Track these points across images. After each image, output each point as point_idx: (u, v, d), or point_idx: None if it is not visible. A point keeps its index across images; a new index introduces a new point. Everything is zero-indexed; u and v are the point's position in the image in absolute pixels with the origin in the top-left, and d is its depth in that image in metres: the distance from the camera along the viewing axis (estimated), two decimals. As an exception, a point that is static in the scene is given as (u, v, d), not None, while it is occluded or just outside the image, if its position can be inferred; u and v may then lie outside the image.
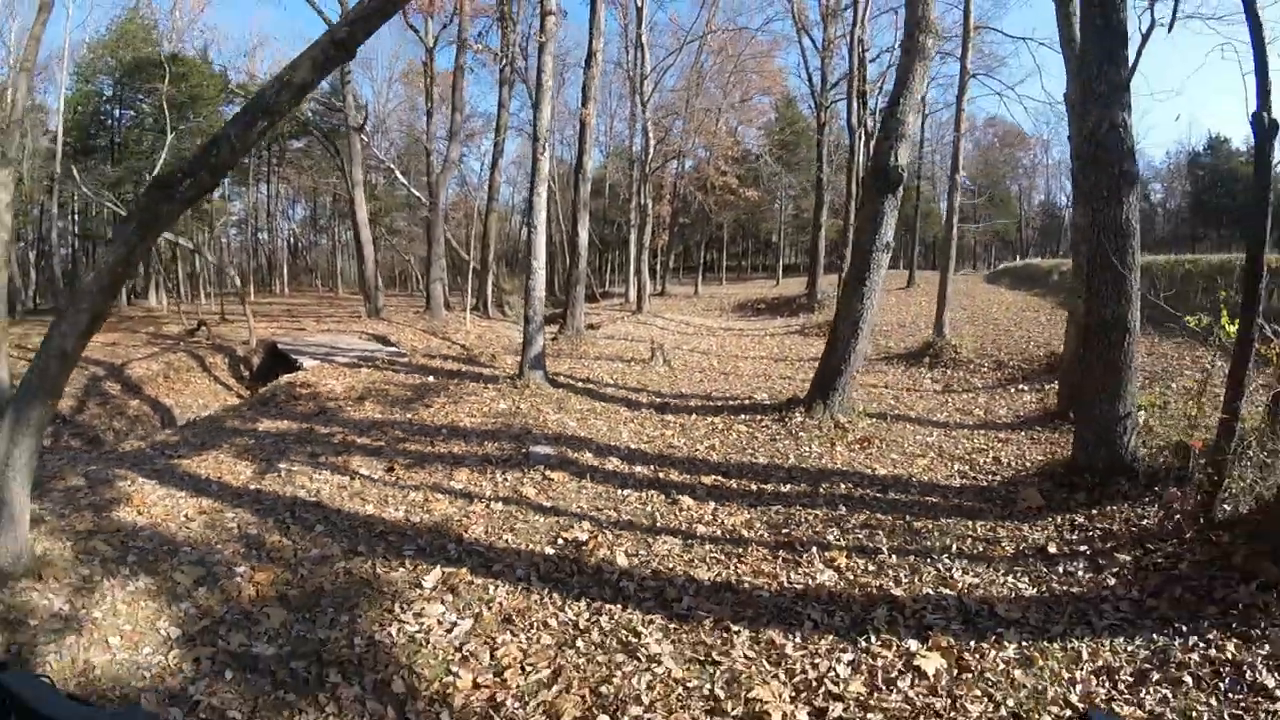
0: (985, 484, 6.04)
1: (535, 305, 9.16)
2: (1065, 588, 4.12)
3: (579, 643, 3.51)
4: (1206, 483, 4.62)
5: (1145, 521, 4.91)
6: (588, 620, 3.77)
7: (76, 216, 33.76)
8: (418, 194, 21.57)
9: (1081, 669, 3.21)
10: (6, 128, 12.53)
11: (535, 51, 11.18)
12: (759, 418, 8.03)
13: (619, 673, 3.21)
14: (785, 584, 4.14)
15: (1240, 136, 42.89)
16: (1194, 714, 2.84)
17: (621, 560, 4.43)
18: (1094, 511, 5.16)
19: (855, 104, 21.08)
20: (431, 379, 10.04)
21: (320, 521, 5.02)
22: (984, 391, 10.51)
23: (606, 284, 40.59)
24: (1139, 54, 7.76)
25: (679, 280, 42.31)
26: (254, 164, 36.84)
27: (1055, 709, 2.96)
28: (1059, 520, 5.11)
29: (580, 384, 10.04)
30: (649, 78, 22.31)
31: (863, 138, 21.29)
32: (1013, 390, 10.26)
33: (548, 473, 6.02)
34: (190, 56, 30.77)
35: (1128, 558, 4.44)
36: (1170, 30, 8.70)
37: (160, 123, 30.20)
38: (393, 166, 22.44)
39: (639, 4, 21.27)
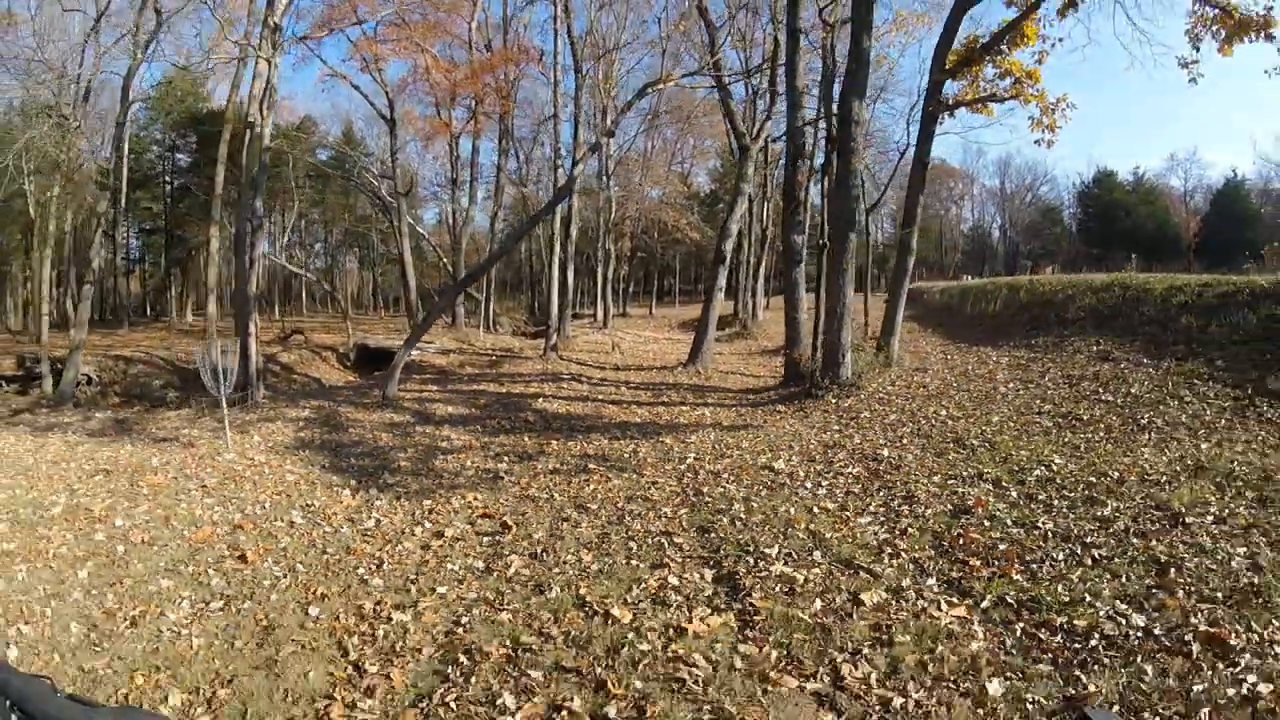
0: (750, 388, 14.84)
1: (553, 319, 18.08)
2: (750, 407, 12.89)
3: (587, 406, 12.30)
4: (810, 373, 13.44)
5: (795, 391, 13.68)
6: (589, 403, 12.57)
7: (119, 249, 41.62)
8: (439, 251, 30.37)
9: (729, 408, 11.96)
10: (241, 198, 20.93)
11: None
12: (662, 370, 16.96)
13: (601, 411, 12.03)
14: (655, 400, 13.01)
15: (1126, 168, 53.58)
16: (759, 424, 11.51)
17: (602, 397, 13.27)
18: (780, 392, 13.93)
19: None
20: (494, 358, 18.78)
21: (491, 396, 13.70)
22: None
23: (577, 306, 49.39)
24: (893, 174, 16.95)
25: (638, 303, 51.41)
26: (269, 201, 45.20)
27: (734, 435, 11.70)
28: (764, 393, 13.89)
29: (574, 361, 18.81)
30: (612, 157, 31.31)
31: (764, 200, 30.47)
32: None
33: (571, 383, 14.83)
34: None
35: (776, 399, 13.22)
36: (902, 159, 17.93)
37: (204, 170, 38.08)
38: (423, 233, 31.13)
39: (604, 105, 30.26)
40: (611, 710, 3.32)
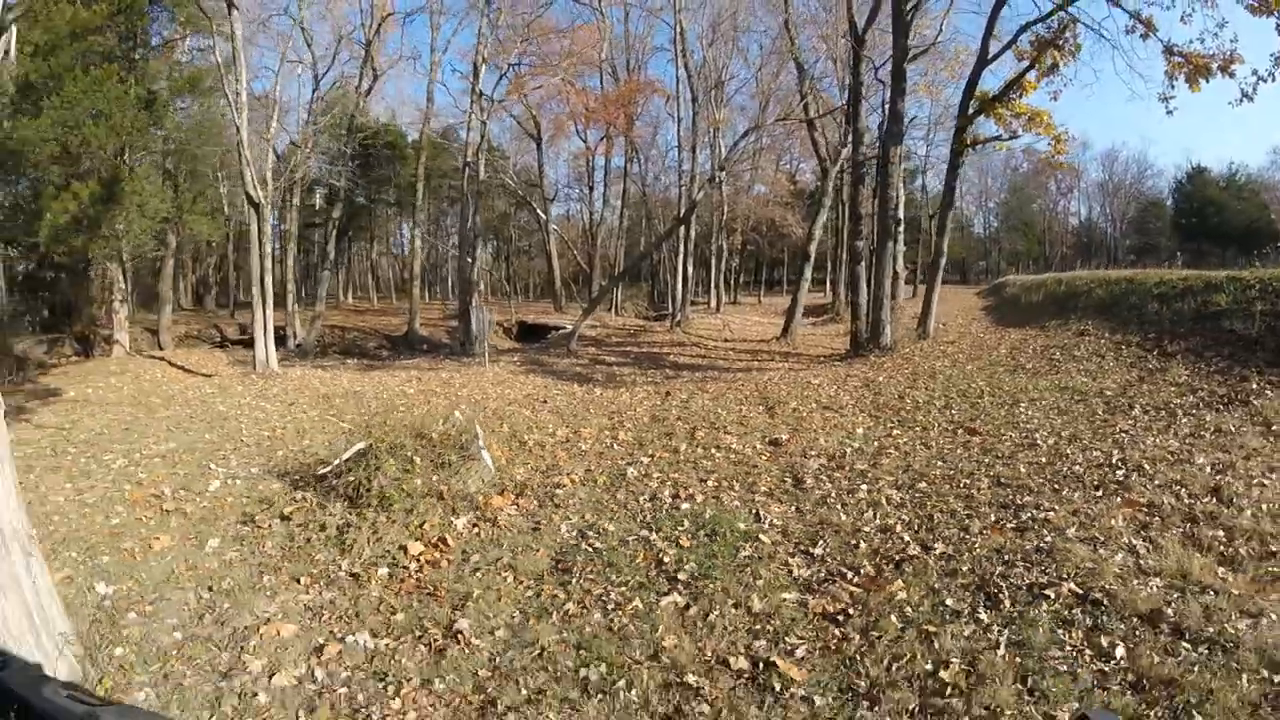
0: (823, 354, 20.71)
1: (676, 303, 24.47)
2: (816, 364, 18.82)
3: (704, 361, 18.66)
4: (868, 343, 19.21)
5: (850, 355, 19.48)
6: (705, 359, 18.92)
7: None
8: (571, 245, 37.54)
9: (802, 363, 17.95)
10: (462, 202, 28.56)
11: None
12: (760, 342, 23.09)
13: (714, 363, 18.36)
14: (751, 359, 19.21)
15: (1220, 164, 54.84)
16: (815, 370, 17.49)
17: (714, 356, 19.60)
18: (844, 356, 19.75)
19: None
20: (630, 332, 25.49)
21: (637, 354, 20.28)
22: (873, 343, 25.11)
23: (693, 295, 55.82)
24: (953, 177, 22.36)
25: (749, 292, 57.31)
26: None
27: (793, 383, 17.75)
28: (831, 358, 19.75)
29: (694, 335, 25.20)
30: (725, 168, 37.36)
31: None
32: (886, 342, 24.83)
33: (692, 349, 21.25)
34: (393, 125, 46.72)
35: (836, 359, 19.09)
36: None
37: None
38: (557, 229, 38.40)
39: (715, 116, 36.29)
40: (720, 428, 9.67)
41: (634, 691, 3.79)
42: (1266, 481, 6.86)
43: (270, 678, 4.16)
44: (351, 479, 6.16)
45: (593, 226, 35.32)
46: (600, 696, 3.76)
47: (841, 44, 25.18)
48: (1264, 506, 6.25)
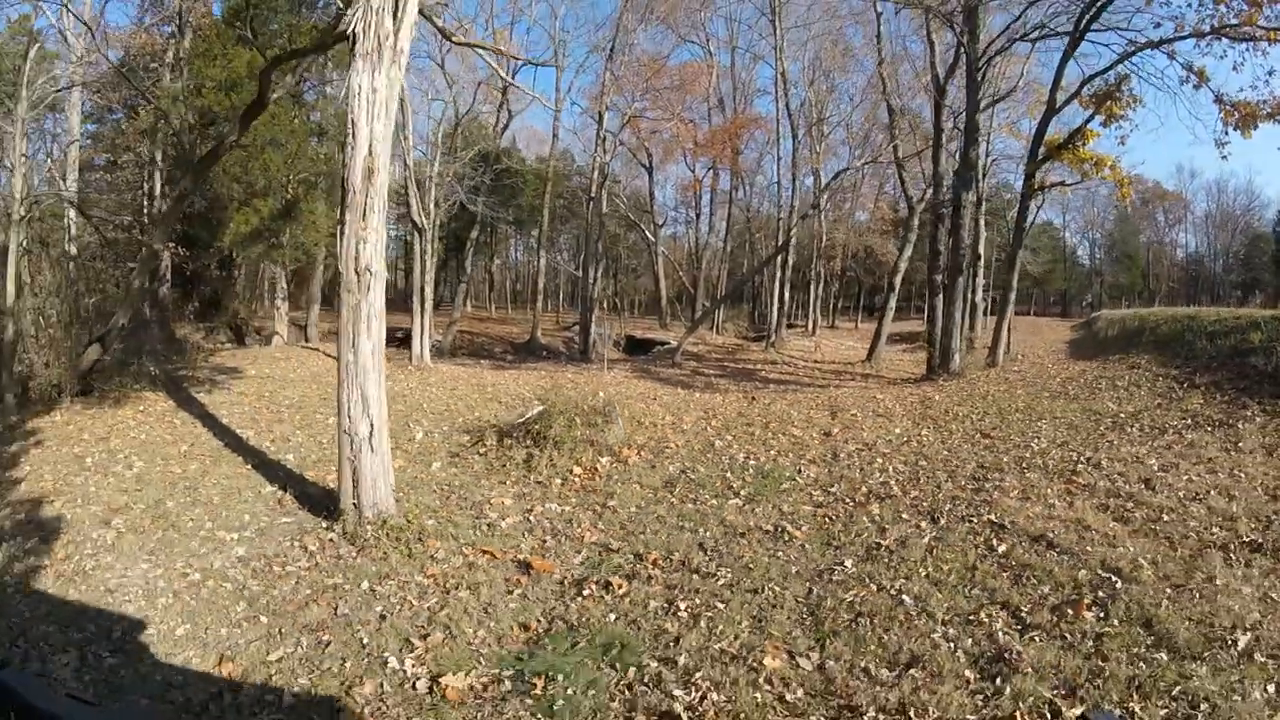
0: (901, 377, 23.32)
1: (772, 325, 27.58)
2: (889, 385, 21.52)
3: (790, 377, 21.71)
4: (939, 369, 21.79)
5: (923, 379, 22.06)
6: (792, 376, 21.99)
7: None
8: (678, 266, 41.05)
9: (876, 384, 20.72)
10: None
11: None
12: (846, 365, 25.87)
13: (799, 380, 21.38)
14: (832, 378, 22.09)
15: None
16: (885, 389, 20.24)
17: (800, 374, 22.59)
18: (921, 378, 22.34)
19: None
20: (728, 350, 28.74)
21: (733, 368, 23.54)
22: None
23: (791, 318, 58.42)
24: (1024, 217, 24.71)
25: (847, 317, 59.44)
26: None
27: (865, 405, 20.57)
28: (907, 381, 22.38)
29: (787, 355, 28.14)
30: (819, 205, 40.11)
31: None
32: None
33: (782, 367, 24.31)
34: (518, 151, 51.43)
35: (909, 382, 21.73)
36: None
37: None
38: (664, 250, 42.10)
39: (816, 150, 39.11)
40: (789, 423, 12.85)
41: (708, 533, 7.19)
42: (1196, 478, 9.22)
43: (503, 520, 7.76)
44: (536, 427, 9.74)
45: (698, 249, 38.88)
46: (690, 533, 7.18)
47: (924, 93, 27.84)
48: (1180, 493, 8.67)
